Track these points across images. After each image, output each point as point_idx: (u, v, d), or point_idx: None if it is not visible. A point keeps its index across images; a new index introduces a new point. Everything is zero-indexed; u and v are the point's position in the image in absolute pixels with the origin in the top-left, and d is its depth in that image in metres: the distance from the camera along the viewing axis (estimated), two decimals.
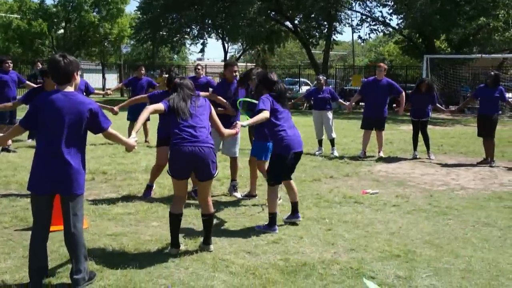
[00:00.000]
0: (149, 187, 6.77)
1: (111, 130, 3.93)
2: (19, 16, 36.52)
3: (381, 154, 10.17)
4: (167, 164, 4.64)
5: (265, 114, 5.13)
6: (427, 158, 9.90)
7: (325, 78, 11.15)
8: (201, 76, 11.24)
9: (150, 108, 4.53)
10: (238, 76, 7.02)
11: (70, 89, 3.77)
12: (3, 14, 36.95)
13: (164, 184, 7.24)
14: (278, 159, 5.29)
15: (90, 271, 3.92)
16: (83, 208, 3.88)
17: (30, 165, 3.82)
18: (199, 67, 11.57)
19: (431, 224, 5.57)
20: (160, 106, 4.56)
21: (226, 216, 5.82)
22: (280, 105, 5.32)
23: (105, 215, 5.70)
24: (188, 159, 4.40)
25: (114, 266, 4.19)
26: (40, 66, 14.07)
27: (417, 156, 10.01)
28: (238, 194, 6.76)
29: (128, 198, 6.51)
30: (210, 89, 9.89)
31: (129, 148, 4.23)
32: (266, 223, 5.29)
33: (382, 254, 4.55)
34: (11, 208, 5.95)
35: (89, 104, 3.75)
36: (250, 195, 6.69)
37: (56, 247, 4.54)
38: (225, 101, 6.77)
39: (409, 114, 10.50)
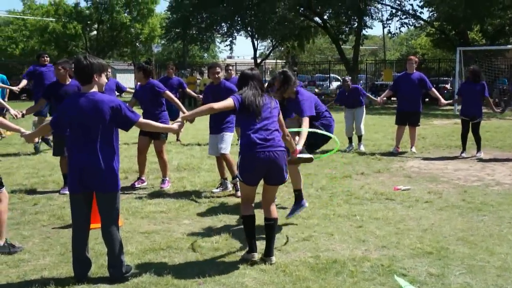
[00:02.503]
0: (139, 179, 7.26)
1: (142, 120, 4.03)
2: (54, 19, 37.45)
3: (413, 150, 10.03)
4: (237, 169, 4.33)
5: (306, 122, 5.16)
6: (473, 156, 9.49)
7: (350, 78, 11.37)
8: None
9: (217, 105, 4.19)
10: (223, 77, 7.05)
11: (92, 89, 3.84)
12: (40, 18, 37.94)
13: (195, 183, 7.34)
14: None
15: (127, 265, 4.03)
16: (119, 205, 3.97)
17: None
18: (230, 67, 11.73)
19: (465, 221, 5.47)
20: (229, 102, 4.20)
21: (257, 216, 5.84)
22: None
23: (138, 213, 5.82)
24: (263, 165, 4.19)
25: (147, 263, 4.28)
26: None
27: (465, 157, 9.49)
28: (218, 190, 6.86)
29: (160, 196, 6.62)
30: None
31: (173, 132, 4.44)
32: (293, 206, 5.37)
33: (413, 251, 4.50)
34: (48, 206, 6.14)
35: (110, 102, 3.80)
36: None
37: (91, 245, 4.65)
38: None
39: (458, 111, 10.01)
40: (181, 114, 5.87)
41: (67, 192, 6.67)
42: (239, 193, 6.54)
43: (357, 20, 29.65)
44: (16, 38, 39.73)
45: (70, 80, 6.85)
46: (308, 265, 4.19)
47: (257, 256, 4.29)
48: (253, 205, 4.43)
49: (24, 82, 10.87)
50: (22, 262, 4.33)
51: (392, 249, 4.58)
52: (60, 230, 5.23)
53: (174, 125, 4.36)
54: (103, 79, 3.92)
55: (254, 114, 4.20)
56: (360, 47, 31.51)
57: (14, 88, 10.90)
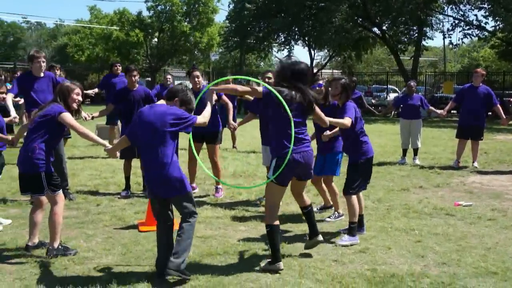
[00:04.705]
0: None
1: (200, 119, 4.27)
2: (118, 28, 38.94)
3: (476, 165, 9.67)
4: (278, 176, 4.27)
5: (347, 122, 5.00)
6: None
7: (415, 84, 10.80)
8: None
9: (241, 88, 4.49)
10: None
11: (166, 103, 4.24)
12: (105, 27, 39.57)
13: (251, 190, 7.39)
14: (360, 166, 5.21)
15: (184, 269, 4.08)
16: (188, 205, 4.11)
17: None
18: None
19: None
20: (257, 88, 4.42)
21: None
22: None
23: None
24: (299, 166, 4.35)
25: (204, 267, 4.36)
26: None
27: None
28: None
29: (216, 202, 6.72)
30: None
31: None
32: (346, 236, 5.14)
33: (476, 270, 4.33)
34: (110, 207, 6.37)
35: (170, 110, 4.13)
36: (326, 207, 6.42)
37: (150, 246, 4.80)
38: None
39: None
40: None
41: (125, 194, 6.95)
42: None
43: (417, 30, 29.01)
44: (83, 46, 41.58)
45: (137, 85, 7.14)
46: (365, 278, 4.13)
47: (282, 265, 4.30)
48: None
49: (95, 90, 11.12)
50: (86, 259, 4.52)
51: (453, 266, 4.43)
52: (121, 231, 5.41)
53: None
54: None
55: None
56: (419, 58, 30.78)
57: (90, 91, 10.84)
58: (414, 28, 29.17)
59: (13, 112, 6.18)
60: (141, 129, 4.10)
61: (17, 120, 6.09)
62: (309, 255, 4.68)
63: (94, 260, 4.52)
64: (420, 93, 12.19)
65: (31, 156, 4.47)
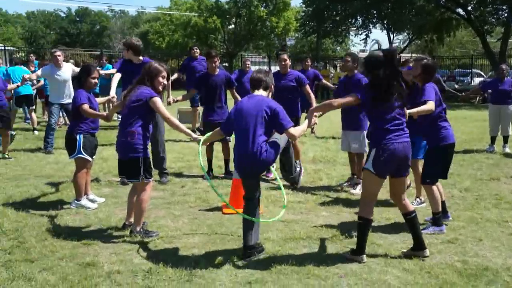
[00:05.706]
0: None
1: (291, 130, 4.17)
2: (196, 14, 39.79)
3: None
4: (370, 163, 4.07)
5: (429, 106, 4.75)
6: None
7: (508, 68, 10.12)
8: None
9: (337, 102, 4.17)
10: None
11: (260, 93, 4.42)
12: (184, 13, 40.58)
13: (332, 175, 7.34)
14: (439, 153, 4.94)
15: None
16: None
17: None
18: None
19: None
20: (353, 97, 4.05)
21: (396, 212, 5.68)
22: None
23: (277, 202, 5.98)
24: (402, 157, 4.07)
25: (287, 250, 4.39)
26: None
27: None
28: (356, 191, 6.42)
29: (297, 187, 6.71)
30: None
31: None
32: (432, 227, 4.96)
33: None
34: (194, 189, 6.57)
35: (268, 102, 4.28)
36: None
37: (235, 229, 4.91)
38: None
39: None
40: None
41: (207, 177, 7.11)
42: (353, 191, 6.42)
43: (507, 10, 27.18)
44: (163, 32, 42.93)
45: (218, 70, 7.25)
46: (455, 269, 3.99)
47: (366, 258, 4.16)
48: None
49: (175, 75, 11.52)
50: (174, 239, 4.71)
51: None
52: (206, 212, 5.57)
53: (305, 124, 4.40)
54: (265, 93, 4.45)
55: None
56: (508, 40, 28.84)
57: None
58: (504, 7, 27.33)
59: (112, 91, 6.47)
60: (237, 117, 4.28)
61: (114, 99, 6.34)
62: (394, 244, 4.57)
63: (182, 240, 4.69)
64: (509, 77, 11.51)
65: (129, 141, 4.61)
